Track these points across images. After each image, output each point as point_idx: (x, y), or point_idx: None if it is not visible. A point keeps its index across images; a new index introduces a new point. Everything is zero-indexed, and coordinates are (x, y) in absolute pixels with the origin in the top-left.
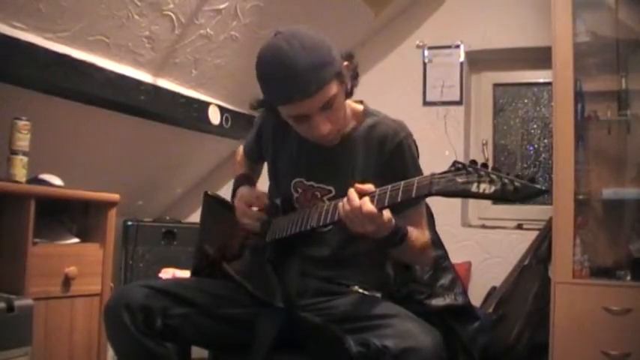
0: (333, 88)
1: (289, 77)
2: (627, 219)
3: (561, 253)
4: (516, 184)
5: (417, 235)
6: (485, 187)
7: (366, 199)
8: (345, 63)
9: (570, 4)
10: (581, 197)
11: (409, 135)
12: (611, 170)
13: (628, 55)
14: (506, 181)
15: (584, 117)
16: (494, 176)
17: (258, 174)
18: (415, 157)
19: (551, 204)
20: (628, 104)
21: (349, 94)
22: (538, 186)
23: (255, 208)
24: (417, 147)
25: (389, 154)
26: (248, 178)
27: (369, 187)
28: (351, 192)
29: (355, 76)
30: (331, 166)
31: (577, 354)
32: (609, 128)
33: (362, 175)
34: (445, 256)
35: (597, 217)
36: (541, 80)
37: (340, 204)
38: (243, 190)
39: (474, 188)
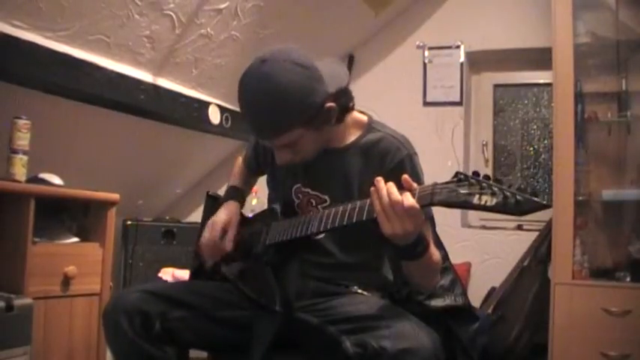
0: (294, 134)
1: (249, 117)
2: (627, 220)
3: (561, 254)
4: (518, 197)
5: (434, 249)
6: (487, 200)
7: (408, 193)
8: (330, 104)
9: (570, 5)
10: (580, 198)
11: (412, 154)
12: (611, 171)
13: (628, 56)
14: (508, 194)
15: (584, 118)
16: (496, 189)
17: (252, 185)
18: (417, 176)
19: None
20: (628, 105)
21: (339, 120)
22: (540, 200)
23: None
24: (420, 166)
25: (388, 172)
26: (237, 193)
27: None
28: (391, 185)
29: (347, 105)
30: (327, 176)
31: (576, 355)
32: (609, 129)
33: (359, 188)
34: (445, 256)
35: (597, 218)
36: (541, 81)
37: (376, 199)
38: (220, 215)
39: (475, 200)
